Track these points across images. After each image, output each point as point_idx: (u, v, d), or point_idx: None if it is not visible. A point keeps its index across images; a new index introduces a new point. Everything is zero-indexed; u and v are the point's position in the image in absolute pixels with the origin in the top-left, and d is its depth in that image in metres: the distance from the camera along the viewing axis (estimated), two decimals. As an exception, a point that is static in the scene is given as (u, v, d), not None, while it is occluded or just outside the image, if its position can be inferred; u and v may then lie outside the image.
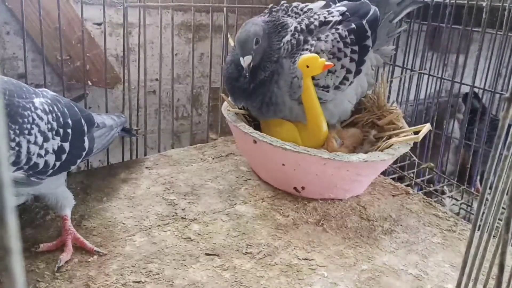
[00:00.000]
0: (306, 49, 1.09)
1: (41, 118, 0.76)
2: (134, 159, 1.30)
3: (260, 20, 1.12)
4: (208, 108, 1.46)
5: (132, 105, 1.31)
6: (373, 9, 1.16)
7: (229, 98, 1.21)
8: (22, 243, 0.84)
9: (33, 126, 0.74)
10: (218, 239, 0.90)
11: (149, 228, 0.92)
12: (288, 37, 1.10)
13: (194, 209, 1.00)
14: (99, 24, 1.37)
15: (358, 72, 1.15)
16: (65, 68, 1.29)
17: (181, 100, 1.65)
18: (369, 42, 1.14)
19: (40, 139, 0.75)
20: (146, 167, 1.18)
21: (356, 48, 1.12)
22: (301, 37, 1.10)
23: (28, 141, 0.73)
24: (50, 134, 0.77)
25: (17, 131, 0.72)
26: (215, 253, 0.86)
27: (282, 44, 1.10)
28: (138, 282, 0.77)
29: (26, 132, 0.73)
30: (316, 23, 1.11)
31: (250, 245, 0.89)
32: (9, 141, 0.69)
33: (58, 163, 0.80)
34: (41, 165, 0.76)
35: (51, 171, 0.79)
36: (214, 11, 1.41)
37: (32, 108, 0.75)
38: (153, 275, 0.78)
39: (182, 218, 0.96)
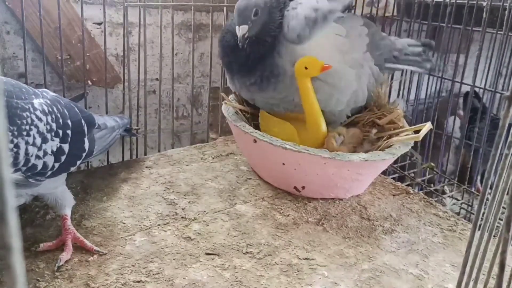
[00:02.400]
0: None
1: (40, 119, 0.75)
2: (134, 158, 1.30)
3: None
4: (208, 107, 1.46)
5: (132, 104, 1.31)
6: None
7: (226, 74, 1.16)
8: (22, 242, 0.83)
9: (32, 127, 0.74)
10: (218, 239, 0.90)
11: (149, 228, 0.92)
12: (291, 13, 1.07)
13: (194, 209, 1.00)
14: (99, 24, 1.37)
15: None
16: (65, 68, 1.29)
17: (181, 99, 1.65)
18: None
19: (38, 141, 0.75)
20: (146, 167, 1.18)
21: None
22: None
23: (27, 142, 0.73)
24: (49, 135, 0.77)
25: (15, 133, 0.71)
26: (215, 252, 0.86)
27: (284, 22, 1.06)
28: (138, 281, 0.77)
29: (25, 133, 0.72)
30: None
31: (250, 245, 0.89)
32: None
33: (57, 165, 0.79)
34: (39, 167, 0.75)
35: (49, 172, 0.78)
36: (214, 10, 1.41)
37: (31, 109, 0.75)
38: (153, 274, 0.78)
39: (182, 217, 0.96)
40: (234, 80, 1.15)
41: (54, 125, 0.78)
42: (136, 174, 1.14)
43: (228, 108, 1.19)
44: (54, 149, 0.78)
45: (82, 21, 1.18)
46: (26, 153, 0.73)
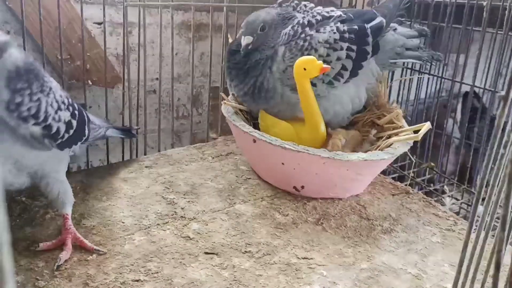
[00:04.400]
0: (302, 38, 1.10)
1: (56, 90, 0.80)
2: (134, 158, 1.30)
3: (274, 12, 1.15)
4: (208, 107, 1.46)
5: (132, 104, 1.31)
6: (380, 18, 1.16)
7: (227, 79, 1.22)
8: (21, 242, 0.84)
9: (51, 91, 0.78)
10: (217, 238, 0.90)
11: (149, 227, 0.92)
12: (288, 28, 1.13)
13: (194, 208, 1.00)
14: (99, 24, 1.38)
15: (354, 74, 1.14)
16: (65, 68, 1.29)
17: (181, 99, 1.65)
18: (369, 48, 1.14)
19: (55, 105, 0.79)
20: (146, 166, 1.18)
21: (354, 47, 1.12)
22: (299, 29, 1.12)
23: (47, 102, 0.77)
24: (63, 106, 0.81)
25: (39, 88, 0.76)
26: (214, 252, 0.86)
27: (281, 34, 1.13)
28: (137, 280, 0.77)
29: (45, 93, 0.77)
30: (319, 17, 1.14)
31: (249, 244, 0.89)
32: (31, 95, 0.73)
33: (66, 135, 0.83)
34: (54, 129, 0.78)
35: (60, 140, 0.81)
36: (214, 10, 1.41)
37: (49, 80, 0.80)
38: (152, 273, 0.79)
39: (182, 217, 0.96)
40: (231, 88, 1.20)
41: (66, 100, 0.83)
42: (136, 173, 1.14)
43: (228, 107, 1.19)
44: (66, 119, 0.82)
45: (82, 21, 1.18)
46: (46, 111, 0.76)
